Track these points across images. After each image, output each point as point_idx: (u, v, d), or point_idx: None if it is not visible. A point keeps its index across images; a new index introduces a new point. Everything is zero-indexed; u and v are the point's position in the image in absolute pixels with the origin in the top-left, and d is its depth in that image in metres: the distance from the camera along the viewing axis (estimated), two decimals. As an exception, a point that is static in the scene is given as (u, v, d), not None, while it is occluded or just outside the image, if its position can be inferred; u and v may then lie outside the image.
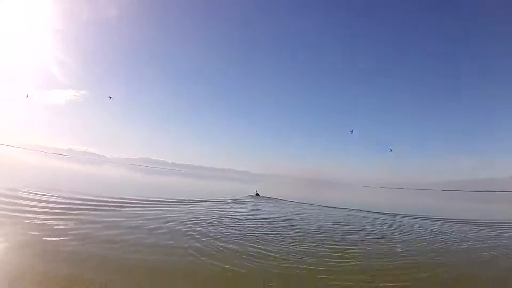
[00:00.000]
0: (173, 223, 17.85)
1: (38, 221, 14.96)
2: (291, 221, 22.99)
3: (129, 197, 27.44)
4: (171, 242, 13.86)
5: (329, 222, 24.02)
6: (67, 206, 19.48)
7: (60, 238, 12.69)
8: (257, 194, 44.76)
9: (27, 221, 14.77)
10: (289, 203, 39.04)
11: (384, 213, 33.09)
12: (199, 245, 13.56)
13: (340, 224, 23.39)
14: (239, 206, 30.34)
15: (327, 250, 14.68)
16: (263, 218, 23.34)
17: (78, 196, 23.76)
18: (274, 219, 23.34)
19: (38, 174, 44.23)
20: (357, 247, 15.76)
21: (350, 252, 14.55)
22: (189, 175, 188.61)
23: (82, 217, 17.13)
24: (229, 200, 33.91)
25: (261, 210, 28.86)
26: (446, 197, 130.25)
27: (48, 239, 12.42)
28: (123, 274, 10.00)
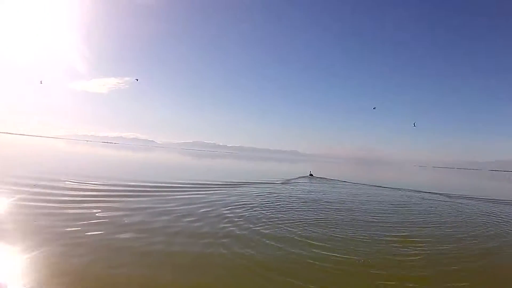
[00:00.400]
0: (213, 208, 15.76)
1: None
2: (347, 204, 20.55)
3: (172, 181, 25.89)
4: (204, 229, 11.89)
5: (388, 204, 21.73)
6: (105, 194, 17.79)
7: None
8: (311, 175, 41.84)
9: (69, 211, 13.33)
10: (344, 183, 35.92)
11: (440, 194, 29.99)
12: (237, 232, 11.62)
13: (401, 206, 20.97)
14: (291, 187, 27.93)
15: (391, 238, 12.32)
16: (316, 200, 21.05)
17: (122, 183, 22.18)
18: (328, 201, 20.98)
19: (82, 164, 42.64)
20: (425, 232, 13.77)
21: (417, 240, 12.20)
22: (240, 156, 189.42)
23: (117, 204, 15.31)
24: (279, 182, 31.46)
25: (314, 191, 26.44)
26: (497, 177, 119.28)
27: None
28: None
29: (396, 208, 19.80)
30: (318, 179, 39.36)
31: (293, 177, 38.28)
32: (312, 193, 24.89)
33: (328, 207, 18.44)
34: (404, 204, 21.91)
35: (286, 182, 31.64)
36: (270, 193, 22.89)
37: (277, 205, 17.95)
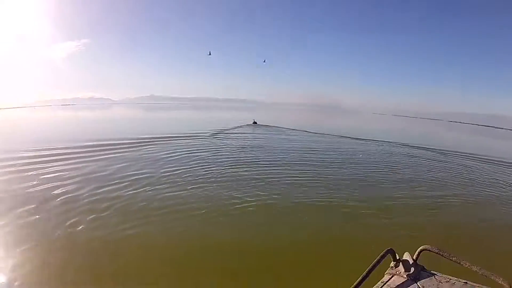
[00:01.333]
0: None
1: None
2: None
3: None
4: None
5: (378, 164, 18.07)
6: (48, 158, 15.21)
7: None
8: (255, 123, 39.49)
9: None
10: (293, 132, 34.01)
11: (426, 149, 26.21)
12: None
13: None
14: (221, 140, 24.72)
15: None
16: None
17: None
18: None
19: (36, 130, 36.38)
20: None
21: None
22: (191, 107, 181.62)
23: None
24: (212, 133, 28.10)
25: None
26: (465, 130, 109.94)
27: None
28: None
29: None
30: (264, 127, 37.39)
31: (233, 126, 35.76)
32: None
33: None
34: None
35: (220, 132, 28.87)
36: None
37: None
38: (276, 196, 10.51)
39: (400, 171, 16.05)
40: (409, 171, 16.24)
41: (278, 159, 17.19)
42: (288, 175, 13.43)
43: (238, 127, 35.41)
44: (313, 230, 8.22)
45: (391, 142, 28.64)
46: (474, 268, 1.82)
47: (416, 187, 12.91)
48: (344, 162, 17.49)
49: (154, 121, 54.08)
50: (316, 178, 13.12)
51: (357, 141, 28.03)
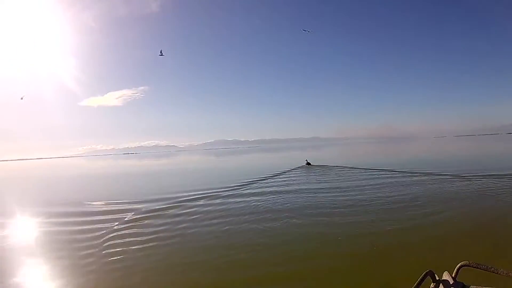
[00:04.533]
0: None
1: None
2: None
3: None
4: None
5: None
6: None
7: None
8: (308, 164, 32.98)
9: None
10: (349, 170, 27.00)
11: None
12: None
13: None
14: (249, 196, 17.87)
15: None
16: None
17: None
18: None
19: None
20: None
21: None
22: (259, 150, 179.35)
23: None
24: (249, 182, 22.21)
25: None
26: None
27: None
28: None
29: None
30: (317, 167, 30.61)
31: (285, 169, 29.62)
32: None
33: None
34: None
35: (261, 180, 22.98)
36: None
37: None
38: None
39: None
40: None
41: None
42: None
43: (288, 171, 28.86)
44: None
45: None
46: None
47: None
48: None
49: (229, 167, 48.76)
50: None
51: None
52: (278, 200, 14.91)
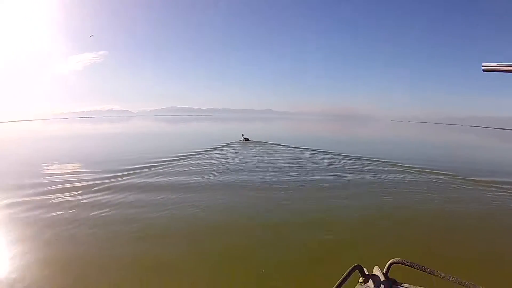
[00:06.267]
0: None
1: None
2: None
3: None
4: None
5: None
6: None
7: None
8: (246, 139, 29.58)
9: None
10: (284, 148, 24.93)
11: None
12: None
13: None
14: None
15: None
16: None
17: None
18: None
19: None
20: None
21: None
22: (208, 119, 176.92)
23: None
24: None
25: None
26: (488, 134, 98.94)
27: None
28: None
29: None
30: (255, 144, 27.75)
31: (221, 144, 26.32)
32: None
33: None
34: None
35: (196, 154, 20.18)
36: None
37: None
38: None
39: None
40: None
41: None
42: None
43: (224, 145, 25.64)
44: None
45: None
46: (451, 279, 1.75)
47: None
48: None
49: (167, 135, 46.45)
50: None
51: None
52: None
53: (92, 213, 8.85)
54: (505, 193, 12.05)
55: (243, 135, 30.25)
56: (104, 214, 8.83)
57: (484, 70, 1.48)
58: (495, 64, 1.45)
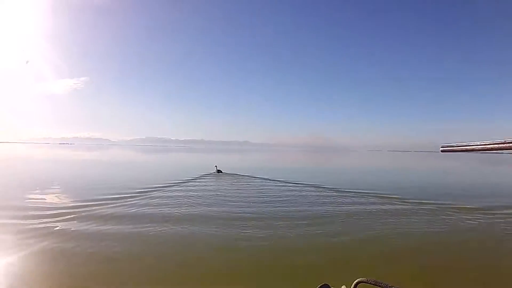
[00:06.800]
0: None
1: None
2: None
3: None
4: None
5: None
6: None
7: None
8: (219, 171, 29.44)
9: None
10: (256, 180, 25.10)
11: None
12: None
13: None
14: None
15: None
16: None
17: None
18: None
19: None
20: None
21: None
22: (186, 150, 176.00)
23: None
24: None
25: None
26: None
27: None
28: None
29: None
30: (227, 176, 27.72)
31: (193, 177, 25.90)
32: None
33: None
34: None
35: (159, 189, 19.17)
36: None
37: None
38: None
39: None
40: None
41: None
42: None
43: (196, 178, 25.36)
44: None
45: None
46: None
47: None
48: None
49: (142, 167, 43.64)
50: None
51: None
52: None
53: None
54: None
55: (216, 166, 30.10)
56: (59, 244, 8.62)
57: (442, 151, 1.56)
58: (452, 144, 1.51)
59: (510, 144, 1.22)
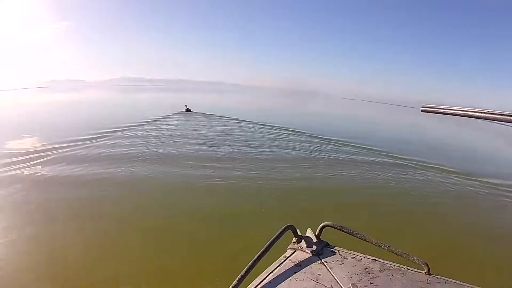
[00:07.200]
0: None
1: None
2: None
3: None
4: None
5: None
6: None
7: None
8: (188, 110, 30.15)
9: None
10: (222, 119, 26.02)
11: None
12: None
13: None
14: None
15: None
16: None
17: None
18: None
19: None
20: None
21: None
22: (160, 89, 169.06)
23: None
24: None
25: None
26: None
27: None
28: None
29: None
30: (197, 115, 28.48)
31: (164, 115, 26.73)
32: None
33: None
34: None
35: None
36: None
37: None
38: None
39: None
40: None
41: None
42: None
43: (166, 116, 25.93)
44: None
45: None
46: (383, 246, 1.76)
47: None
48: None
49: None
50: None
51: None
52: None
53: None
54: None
55: (186, 105, 30.68)
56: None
57: (422, 111, 1.57)
58: (434, 106, 1.52)
59: (492, 115, 1.24)
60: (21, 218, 7.17)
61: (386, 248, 1.73)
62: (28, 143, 14.98)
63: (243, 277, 1.53)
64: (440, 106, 1.49)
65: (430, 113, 1.55)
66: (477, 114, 1.30)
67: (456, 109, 1.40)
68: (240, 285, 1.49)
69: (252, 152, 14.37)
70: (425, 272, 1.65)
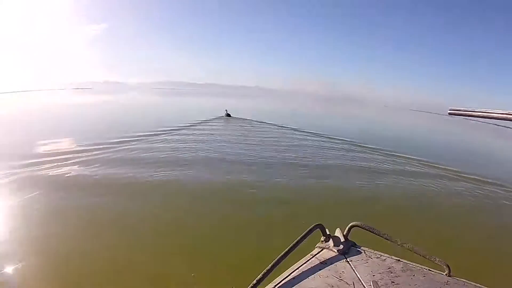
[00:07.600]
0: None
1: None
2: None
3: None
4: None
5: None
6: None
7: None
8: (228, 115, 30.59)
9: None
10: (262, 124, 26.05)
11: None
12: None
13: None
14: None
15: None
16: None
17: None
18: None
19: None
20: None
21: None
22: (202, 93, 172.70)
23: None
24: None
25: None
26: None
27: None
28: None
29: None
30: (237, 120, 28.54)
31: (204, 119, 27.18)
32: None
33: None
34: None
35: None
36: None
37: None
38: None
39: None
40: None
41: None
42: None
43: (206, 120, 26.45)
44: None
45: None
46: (407, 247, 1.80)
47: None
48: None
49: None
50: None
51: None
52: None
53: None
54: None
55: (226, 110, 31.16)
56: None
57: (450, 114, 1.54)
58: (462, 108, 1.49)
59: None
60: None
61: (410, 249, 1.79)
62: (61, 144, 15.38)
63: (268, 271, 1.58)
64: (467, 109, 1.46)
65: (457, 116, 1.53)
66: (503, 115, 1.25)
67: (482, 111, 1.36)
68: (265, 279, 1.55)
69: (286, 157, 14.58)
70: (446, 274, 1.68)
